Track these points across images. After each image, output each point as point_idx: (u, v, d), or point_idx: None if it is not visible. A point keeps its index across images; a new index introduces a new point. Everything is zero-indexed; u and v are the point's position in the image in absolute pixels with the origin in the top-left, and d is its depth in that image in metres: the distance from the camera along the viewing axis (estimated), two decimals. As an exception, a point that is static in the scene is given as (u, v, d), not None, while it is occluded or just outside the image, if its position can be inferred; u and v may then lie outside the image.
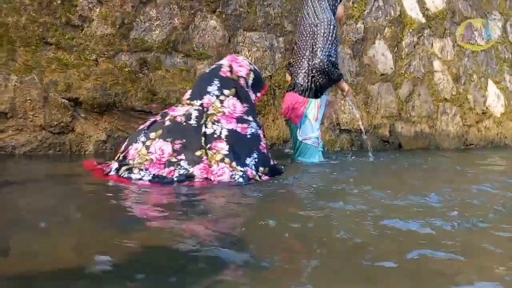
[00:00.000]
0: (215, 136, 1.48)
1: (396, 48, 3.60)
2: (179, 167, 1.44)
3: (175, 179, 1.43)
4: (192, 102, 1.58)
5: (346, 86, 2.20)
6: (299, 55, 2.12)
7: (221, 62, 1.66)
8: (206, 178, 1.45)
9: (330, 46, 2.00)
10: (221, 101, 1.56)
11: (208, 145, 1.47)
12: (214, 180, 1.44)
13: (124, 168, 1.43)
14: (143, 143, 1.46)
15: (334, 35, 2.02)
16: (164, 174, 1.43)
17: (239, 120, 1.55)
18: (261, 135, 1.62)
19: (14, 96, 1.83)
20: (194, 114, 1.52)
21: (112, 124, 2.09)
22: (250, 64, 1.68)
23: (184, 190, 1.36)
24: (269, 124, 2.70)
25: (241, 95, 1.58)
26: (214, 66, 1.68)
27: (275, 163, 1.69)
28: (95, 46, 2.05)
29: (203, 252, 0.78)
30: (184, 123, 1.49)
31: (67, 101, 1.96)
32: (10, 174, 1.53)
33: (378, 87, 3.43)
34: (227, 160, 1.46)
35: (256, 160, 1.55)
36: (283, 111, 2.21)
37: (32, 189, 1.30)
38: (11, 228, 0.90)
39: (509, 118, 4.76)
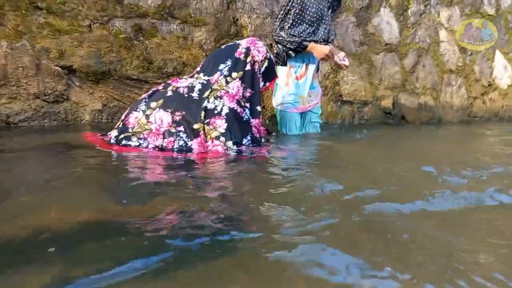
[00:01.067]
0: (216, 112, 1.45)
1: (401, 16, 3.47)
2: (178, 138, 1.42)
3: (175, 149, 1.41)
4: (199, 76, 1.54)
5: (324, 49, 2.03)
6: None
7: (239, 42, 1.62)
8: (203, 153, 1.43)
9: (285, 15, 1.98)
10: (227, 82, 1.52)
11: (207, 120, 1.44)
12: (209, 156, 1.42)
13: (123, 135, 1.40)
14: (143, 112, 1.43)
15: (292, 3, 1.95)
16: (164, 144, 1.40)
17: (238, 102, 1.51)
18: (253, 123, 1.57)
19: (5, 63, 1.78)
20: (198, 87, 1.48)
21: (108, 93, 2.04)
22: (268, 52, 1.64)
23: (182, 162, 1.34)
24: (269, 95, 2.64)
25: (247, 80, 1.54)
26: (231, 43, 1.65)
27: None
28: (88, 11, 1.98)
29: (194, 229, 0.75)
30: (186, 95, 1.46)
31: (60, 68, 1.90)
32: (4, 145, 1.50)
33: (382, 57, 3.33)
34: (222, 138, 1.44)
35: (250, 142, 1.53)
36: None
37: (29, 159, 1.27)
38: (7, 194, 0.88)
39: (515, 90, 4.66)
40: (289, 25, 1.99)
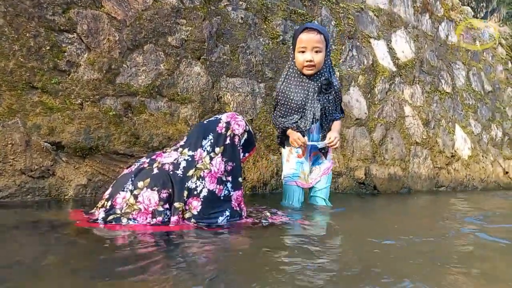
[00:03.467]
0: (195, 193, 1.53)
1: (369, 94, 3.79)
2: (165, 216, 1.47)
3: (162, 225, 1.45)
4: (184, 151, 1.62)
5: (292, 136, 2.21)
6: None
7: (220, 116, 1.72)
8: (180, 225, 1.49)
9: (276, 105, 2.30)
10: (211, 158, 1.61)
11: (187, 200, 1.50)
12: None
13: (111, 217, 1.44)
14: (131, 191, 1.48)
15: (278, 96, 2.26)
16: (153, 223, 1.45)
17: (219, 181, 1.60)
18: (235, 196, 1.66)
19: (-5, 139, 1.82)
20: (182, 164, 1.56)
21: (93, 168, 2.08)
22: (247, 125, 1.76)
23: (167, 236, 1.38)
24: (250, 167, 2.76)
25: (228, 154, 1.64)
26: (212, 118, 1.73)
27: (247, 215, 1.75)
28: (81, 90, 2.08)
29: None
30: (172, 172, 1.52)
31: (49, 145, 1.95)
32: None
33: (353, 131, 3.57)
34: (193, 220, 1.51)
35: (228, 217, 1.60)
36: None
37: (12, 239, 1.28)
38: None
39: (475, 160, 5.02)
40: (280, 113, 2.25)
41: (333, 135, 2.21)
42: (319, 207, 2.28)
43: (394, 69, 4.14)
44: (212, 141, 1.62)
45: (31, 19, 1.96)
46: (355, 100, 3.64)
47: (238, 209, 1.66)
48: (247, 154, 1.76)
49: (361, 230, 1.73)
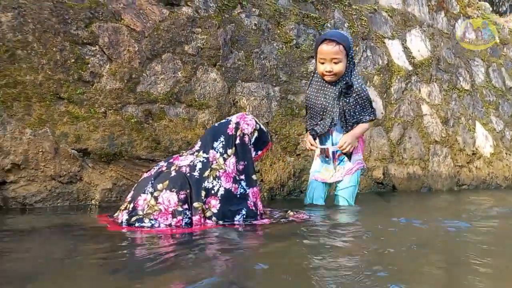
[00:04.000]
0: (213, 192, 1.60)
1: (385, 94, 3.80)
2: (185, 216, 1.55)
3: (183, 226, 1.53)
4: (199, 154, 1.70)
5: (306, 140, 2.45)
6: None
7: (230, 118, 1.80)
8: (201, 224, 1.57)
9: (305, 107, 2.48)
10: (224, 159, 1.68)
11: (205, 199, 1.58)
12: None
13: (134, 218, 1.53)
14: (151, 194, 1.57)
15: (305, 101, 2.47)
16: (173, 223, 1.53)
17: (234, 180, 1.67)
18: (250, 194, 1.72)
19: (27, 148, 1.94)
20: (198, 166, 1.64)
21: (118, 173, 2.19)
22: (257, 123, 1.82)
23: (190, 237, 1.45)
24: (267, 168, 2.82)
25: (239, 154, 1.71)
26: (223, 121, 1.81)
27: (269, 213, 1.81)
28: (104, 99, 2.20)
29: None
30: (189, 174, 1.60)
31: (76, 152, 2.07)
32: (23, 225, 1.61)
33: (370, 131, 3.58)
34: (214, 218, 1.58)
35: (244, 216, 1.66)
36: None
37: (46, 240, 1.38)
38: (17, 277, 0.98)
39: (498, 158, 4.92)
40: (308, 116, 2.44)
41: (343, 140, 2.28)
42: (340, 206, 2.31)
43: (410, 68, 4.13)
44: (223, 143, 1.70)
45: (57, 34, 2.09)
46: (370, 100, 3.65)
47: (254, 208, 1.72)
48: (259, 152, 1.82)
49: (383, 228, 1.76)
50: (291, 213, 1.85)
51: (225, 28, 2.75)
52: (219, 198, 1.61)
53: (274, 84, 2.98)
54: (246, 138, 1.74)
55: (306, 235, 1.55)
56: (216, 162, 1.67)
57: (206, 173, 1.63)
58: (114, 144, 2.19)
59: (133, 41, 2.35)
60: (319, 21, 3.36)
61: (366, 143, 3.54)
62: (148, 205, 1.54)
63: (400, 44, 4.10)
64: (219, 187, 1.62)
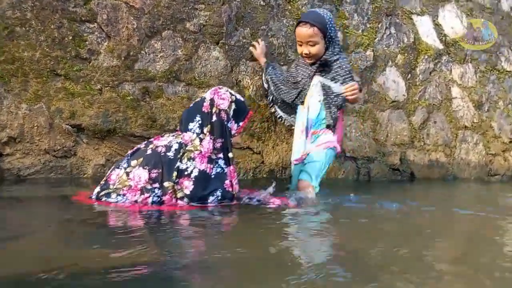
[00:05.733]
0: (186, 173, 1.58)
1: (409, 74, 3.56)
2: (153, 194, 1.55)
3: (149, 203, 1.54)
4: (178, 136, 1.70)
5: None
6: None
7: (204, 95, 1.75)
8: (172, 205, 1.56)
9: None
10: (201, 139, 1.65)
11: (177, 180, 1.56)
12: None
13: (103, 192, 1.56)
14: (125, 169, 1.59)
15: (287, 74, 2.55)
16: (140, 200, 1.54)
17: (209, 160, 1.63)
18: (228, 173, 1.68)
19: (23, 122, 2.03)
20: (174, 146, 1.63)
21: (112, 149, 2.24)
22: (232, 95, 1.76)
23: (156, 214, 1.47)
24: (269, 150, 2.76)
25: (216, 131, 1.66)
26: (198, 99, 1.78)
27: (246, 196, 1.77)
28: (101, 76, 2.24)
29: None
30: (163, 154, 1.60)
31: (70, 127, 2.13)
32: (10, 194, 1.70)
33: (388, 114, 3.39)
34: (186, 200, 1.56)
35: (219, 197, 1.63)
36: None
37: (28, 209, 1.45)
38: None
39: (540, 147, 4.49)
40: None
41: (350, 83, 2.13)
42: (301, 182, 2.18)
43: (441, 47, 3.82)
44: (199, 122, 1.66)
45: (55, 11, 2.13)
46: (391, 81, 3.44)
47: (230, 189, 1.69)
48: (241, 123, 1.76)
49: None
50: (261, 197, 1.80)
51: (230, 5, 2.67)
52: (193, 179, 1.59)
53: (282, 63, 2.88)
54: (223, 114, 1.69)
55: (276, 219, 1.51)
56: (192, 144, 1.65)
57: (180, 154, 1.61)
58: (108, 121, 2.23)
59: (132, 18, 2.35)
60: (337, -4, 3.18)
61: (383, 127, 3.36)
62: (119, 180, 1.57)
63: (431, 20, 3.78)
64: (193, 168, 1.60)
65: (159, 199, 1.56)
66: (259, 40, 2.71)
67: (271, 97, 2.58)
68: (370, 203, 2.01)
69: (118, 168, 1.61)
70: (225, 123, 1.70)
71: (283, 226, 1.43)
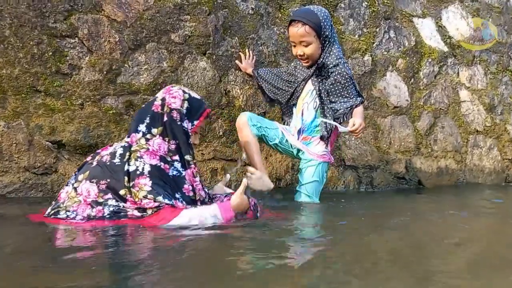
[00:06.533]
0: (138, 172, 1.47)
1: (412, 79, 3.41)
2: (107, 205, 1.45)
3: (107, 216, 1.44)
4: (123, 140, 1.61)
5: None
6: None
7: (157, 95, 1.66)
8: (138, 209, 1.45)
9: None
10: (147, 140, 1.55)
11: (132, 183, 1.46)
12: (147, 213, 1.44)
13: (53, 211, 1.48)
14: (72, 185, 1.51)
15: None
16: (93, 214, 1.45)
17: (162, 159, 1.53)
18: (186, 177, 1.57)
19: (1, 140, 2.00)
20: (119, 152, 1.52)
21: (94, 164, 2.18)
22: (185, 92, 1.65)
23: (112, 229, 1.38)
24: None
25: (169, 132, 1.56)
26: (150, 100, 1.69)
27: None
28: (82, 91, 2.20)
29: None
30: (109, 163, 1.50)
31: (50, 143, 2.09)
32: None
33: (390, 120, 3.24)
34: (150, 196, 1.44)
35: (182, 198, 1.52)
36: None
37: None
38: None
39: (562, 150, 4.21)
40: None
41: (357, 122, 1.93)
42: (303, 204, 2.10)
43: (446, 49, 3.66)
44: (148, 122, 1.56)
45: (34, 28, 2.12)
46: (392, 86, 3.30)
47: (192, 194, 1.57)
48: (196, 122, 1.64)
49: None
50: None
51: (216, 14, 2.62)
52: (147, 175, 1.47)
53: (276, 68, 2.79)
54: (175, 114, 1.58)
55: (243, 230, 1.41)
56: (137, 143, 1.55)
57: (127, 157, 1.50)
58: (89, 136, 2.18)
59: (114, 31, 2.32)
60: (331, 1, 3.09)
61: (385, 134, 3.21)
62: (68, 197, 1.48)
63: (434, 22, 3.64)
64: (144, 165, 1.48)
65: (116, 208, 1.45)
66: (247, 50, 2.64)
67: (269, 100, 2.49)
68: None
69: (67, 185, 1.53)
70: (178, 123, 1.58)
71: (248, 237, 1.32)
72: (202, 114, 1.64)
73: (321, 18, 2.03)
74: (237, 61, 2.63)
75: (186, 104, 1.60)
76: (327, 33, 2.06)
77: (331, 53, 2.06)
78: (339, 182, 2.95)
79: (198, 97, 1.70)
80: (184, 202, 1.52)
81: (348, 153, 3.00)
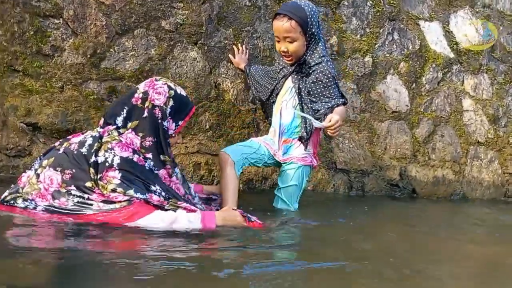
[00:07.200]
0: (107, 164, 1.38)
1: (413, 84, 3.28)
2: (71, 196, 1.37)
3: (70, 208, 1.36)
4: (95, 129, 1.52)
5: None
6: None
7: (139, 85, 1.57)
8: (105, 201, 1.37)
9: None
10: (120, 133, 1.47)
11: (99, 175, 1.37)
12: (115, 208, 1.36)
13: (11, 196, 1.40)
14: (35, 170, 1.42)
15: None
16: (56, 204, 1.37)
17: (136, 152, 1.44)
18: (160, 175, 1.48)
19: (-27, 118, 1.93)
20: (88, 141, 1.44)
21: (70, 150, 2.10)
22: (171, 89, 1.55)
23: (73, 225, 1.30)
24: (248, 159, 2.55)
25: (144, 128, 1.47)
26: (131, 89, 1.59)
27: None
28: (63, 74, 2.12)
29: None
30: (76, 151, 1.41)
31: (25, 125, 2.02)
32: None
33: (388, 125, 3.12)
34: (120, 189, 1.36)
35: (160, 189, 1.43)
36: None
37: None
38: None
39: None
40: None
41: (334, 118, 1.79)
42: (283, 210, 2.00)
43: (452, 55, 3.52)
44: (125, 115, 1.47)
45: (16, 5, 2.04)
46: (392, 90, 3.18)
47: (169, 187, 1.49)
48: (181, 122, 1.55)
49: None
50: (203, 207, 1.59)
51: (211, 4, 2.52)
52: (117, 167, 1.38)
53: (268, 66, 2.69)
54: (157, 111, 1.48)
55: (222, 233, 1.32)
56: (108, 134, 1.45)
57: (95, 148, 1.41)
58: (67, 120, 2.10)
59: (101, 14, 2.23)
60: (334, -3, 2.98)
61: (381, 139, 3.10)
62: (29, 183, 1.40)
63: (441, 27, 3.51)
64: (113, 157, 1.39)
65: (81, 198, 1.37)
66: (240, 45, 2.54)
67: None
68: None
69: (29, 169, 1.45)
70: (159, 121, 1.49)
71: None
72: (188, 114, 1.55)
73: (307, 13, 1.91)
74: (230, 55, 2.53)
75: (171, 102, 1.50)
76: (313, 30, 1.95)
77: (315, 51, 1.96)
78: (329, 185, 2.84)
79: (184, 93, 1.61)
80: (161, 195, 1.43)
81: (341, 156, 2.89)
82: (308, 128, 1.96)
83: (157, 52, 2.37)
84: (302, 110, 1.97)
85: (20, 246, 1.04)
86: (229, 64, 2.58)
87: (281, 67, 2.18)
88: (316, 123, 1.84)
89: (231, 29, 2.59)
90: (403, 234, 1.71)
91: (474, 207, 3.03)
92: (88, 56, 2.19)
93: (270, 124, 2.27)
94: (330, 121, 1.78)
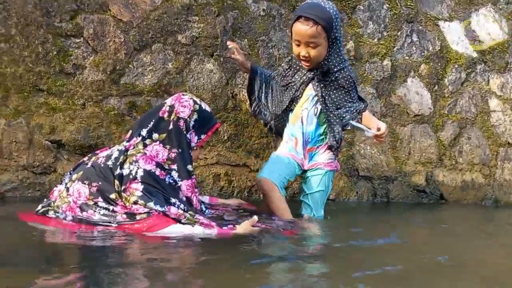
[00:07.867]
0: (131, 177, 1.42)
1: (436, 86, 3.20)
2: (98, 208, 1.40)
3: (96, 219, 1.40)
4: (122, 143, 1.56)
5: None
6: None
7: (167, 100, 1.62)
8: (127, 213, 1.39)
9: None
10: (145, 145, 1.50)
11: (124, 187, 1.40)
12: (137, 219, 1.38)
13: (43, 210, 1.44)
14: (65, 184, 1.47)
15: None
16: (84, 217, 1.40)
17: (159, 165, 1.46)
18: (184, 187, 1.50)
19: (1, 138, 2.01)
20: (114, 155, 1.48)
21: (92, 165, 2.15)
22: (196, 103, 1.59)
23: (100, 234, 1.33)
24: (267, 168, 2.54)
25: (171, 141, 1.50)
26: (158, 105, 1.64)
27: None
28: (84, 91, 2.19)
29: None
30: (103, 165, 1.46)
31: (50, 143, 2.08)
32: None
33: (411, 129, 3.05)
34: (141, 201, 1.38)
35: (179, 203, 1.44)
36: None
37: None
38: None
39: None
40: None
41: (383, 126, 1.90)
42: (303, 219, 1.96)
43: (475, 55, 3.42)
44: (151, 127, 1.51)
45: (40, 27, 2.13)
46: (414, 93, 3.11)
47: (190, 202, 1.50)
48: (203, 136, 1.57)
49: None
50: (226, 217, 1.59)
51: (225, 16, 2.55)
52: (140, 180, 1.41)
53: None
54: (181, 123, 1.52)
55: (250, 244, 1.32)
56: (134, 147, 1.49)
57: (121, 160, 1.45)
58: (89, 136, 2.16)
59: (120, 31, 2.30)
60: (349, 3, 2.96)
61: (405, 143, 3.02)
62: (60, 196, 1.45)
63: (462, 26, 3.42)
64: (137, 169, 1.43)
65: (106, 210, 1.40)
66: (229, 41, 2.25)
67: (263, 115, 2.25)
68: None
69: (60, 184, 1.50)
70: (184, 132, 1.52)
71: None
72: (211, 129, 1.58)
73: (333, 17, 1.80)
74: (233, 57, 2.17)
75: (195, 116, 1.55)
76: (336, 34, 1.89)
77: (336, 55, 1.91)
78: (352, 193, 2.79)
79: (209, 109, 1.65)
80: (180, 208, 1.44)
81: (363, 163, 2.83)
82: (337, 136, 1.94)
83: (174, 65, 2.41)
84: (328, 118, 1.94)
85: (47, 256, 1.06)
86: (245, 74, 2.59)
87: (290, 71, 2.07)
88: (369, 133, 1.90)
89: (246, 40, 2.61)
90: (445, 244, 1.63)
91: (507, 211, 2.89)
92: (108, 72, 2.24)
93: (280, 134, 2.19)
94: (379, 129, 1.86)
